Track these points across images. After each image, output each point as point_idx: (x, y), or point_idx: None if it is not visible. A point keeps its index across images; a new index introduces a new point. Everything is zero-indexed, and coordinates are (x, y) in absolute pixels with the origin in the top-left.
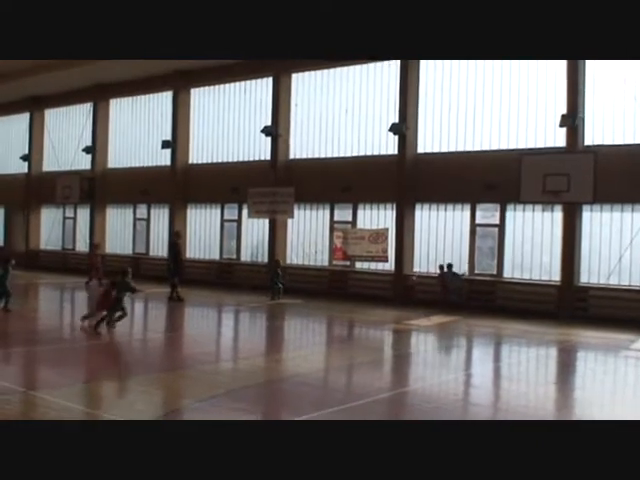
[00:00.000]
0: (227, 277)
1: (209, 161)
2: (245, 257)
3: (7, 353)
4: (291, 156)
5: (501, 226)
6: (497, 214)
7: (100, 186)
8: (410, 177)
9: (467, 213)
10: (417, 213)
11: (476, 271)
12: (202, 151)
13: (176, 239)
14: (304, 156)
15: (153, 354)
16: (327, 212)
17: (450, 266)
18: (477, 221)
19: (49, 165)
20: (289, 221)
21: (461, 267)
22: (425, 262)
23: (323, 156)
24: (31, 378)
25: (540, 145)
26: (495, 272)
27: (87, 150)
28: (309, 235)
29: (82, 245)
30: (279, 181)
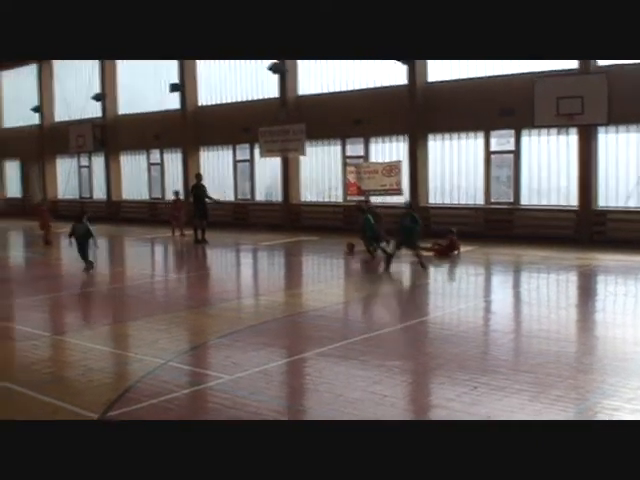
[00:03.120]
0: (243, 218)
1: (218, 102)
2: (260, 197)
3: (32, 300)
4: (300, 92)
5: (516, 152)
6: (512, 140)
7: (112, 133)
8: (421, 107)
9: (481, 141)
10: (430, 143)
11: (492, 199)
12: (211, 92)
13: (198, 181)
14: (313, 92)
15: (174, 294)
16: (339, 147)
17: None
18: (492, 148)
19: (60, 115)
20: (301, 158)
21: (476, 196)
22: (440, 193)
23: (332, 90)
24: (56, 323)
25: (553, 67)
26: (512, 200)
27: (97, 98)
28: (322, 172)
29: (100, 193)
30: (289, 118)
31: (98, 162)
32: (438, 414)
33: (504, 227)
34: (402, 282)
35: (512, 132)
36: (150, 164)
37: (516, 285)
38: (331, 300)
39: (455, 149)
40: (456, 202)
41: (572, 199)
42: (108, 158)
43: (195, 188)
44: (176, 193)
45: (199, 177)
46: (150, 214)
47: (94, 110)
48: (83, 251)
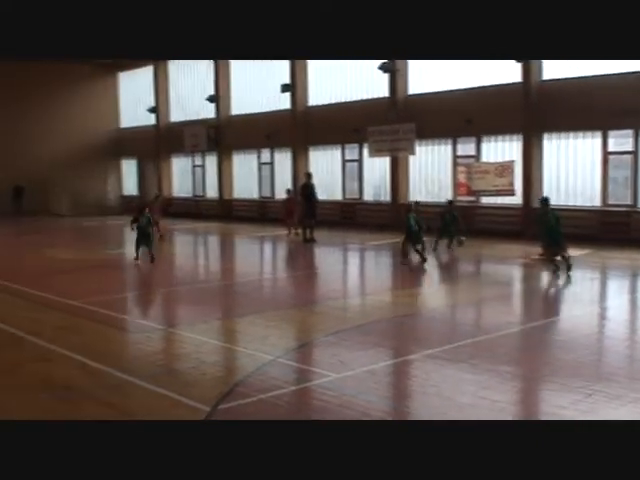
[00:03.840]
0: (350, 217)
1: (328, 102)
2: (367, 197)
3: (146, 294)
4: (410, 92)
5: (635, 153)
6: (631, 140)
7: (225, 133)
8: (536, 105)
9: (598, 141)
10: (545, 143)
11: (610, 201)
12: (321, 92)
13: (307, 180)
14: (423, 91)
15: (283, 292)
16: (449, 147)
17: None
18: (609, 149)
19: (176, 116)
20: (410, 158)
21: (592, 198)
22: (555, 194)
23: (443, 89)
24: (168, 316)
25: None
26: (630, 202)
27: (211, 99)
28: (431, 171)
29: (212, 192)
30: (399, 118)
31: (211, 161)
32: None
33: (621, 230)
34: (513, 286)
35: (631, 132)
36: (261, 163)
37: (633, 291)
38: (439, 302)
39: (571, 149)
40: (571, 203)
41: None
42: (221, 157)
43: (304, 187)
44: (289, 191)
45: (309, 176)
46: (260, 212)
47: (208, 111)
48: (146, 240)
